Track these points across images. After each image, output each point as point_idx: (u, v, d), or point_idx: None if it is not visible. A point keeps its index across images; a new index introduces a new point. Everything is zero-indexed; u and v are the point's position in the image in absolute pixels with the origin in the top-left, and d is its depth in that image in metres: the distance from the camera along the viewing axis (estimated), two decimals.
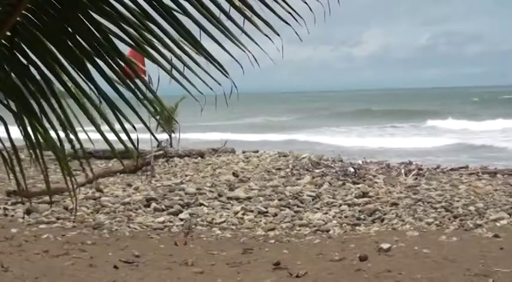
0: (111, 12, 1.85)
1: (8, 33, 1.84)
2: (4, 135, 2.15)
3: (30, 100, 2.02)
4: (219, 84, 1.76)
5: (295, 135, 30.11)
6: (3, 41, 1.84)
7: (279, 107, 66.20)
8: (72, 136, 1.98)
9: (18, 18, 1.83)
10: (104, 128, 2.01)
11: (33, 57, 1.91)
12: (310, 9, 1.66)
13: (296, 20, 1.72)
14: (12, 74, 1.95)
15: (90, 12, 1.85)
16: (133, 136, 2.00)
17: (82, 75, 1.91)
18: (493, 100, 63.26)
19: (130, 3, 1.85)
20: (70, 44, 1.90)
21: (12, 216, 9.59)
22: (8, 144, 2.16)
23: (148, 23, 1.87)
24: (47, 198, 9.65)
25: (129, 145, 2.02)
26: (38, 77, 1.97)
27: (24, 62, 1.94)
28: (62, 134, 2.03)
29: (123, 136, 1.97)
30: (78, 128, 2.02)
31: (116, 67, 1.92)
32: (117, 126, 1.97)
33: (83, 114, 2.01)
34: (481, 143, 24.09)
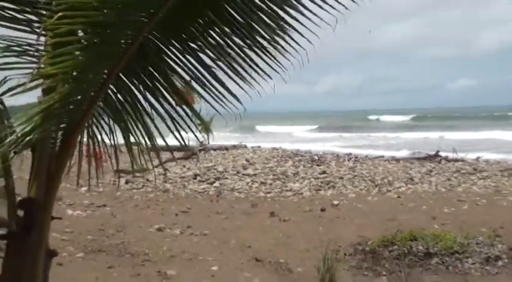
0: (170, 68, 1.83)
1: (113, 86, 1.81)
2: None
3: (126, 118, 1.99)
4: (237, 108, 1.75)
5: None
6: (112, 88, 1.81)
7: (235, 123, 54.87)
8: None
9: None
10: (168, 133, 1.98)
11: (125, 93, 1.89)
12: (290, 62, 1.65)
13: (281, 68, 1.71)
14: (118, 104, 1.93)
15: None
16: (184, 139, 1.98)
17: (157, 102, 1.89)
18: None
19: (182, 62, 1.82)
20: (149, 82, 1.87)
21: (118, 185, 9.61)
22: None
23: (199, 74, 1.84)
24: (136, 174, 9.62)
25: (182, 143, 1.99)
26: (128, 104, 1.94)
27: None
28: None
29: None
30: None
31: (175, 97, 1.90)
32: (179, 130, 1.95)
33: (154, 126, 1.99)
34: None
